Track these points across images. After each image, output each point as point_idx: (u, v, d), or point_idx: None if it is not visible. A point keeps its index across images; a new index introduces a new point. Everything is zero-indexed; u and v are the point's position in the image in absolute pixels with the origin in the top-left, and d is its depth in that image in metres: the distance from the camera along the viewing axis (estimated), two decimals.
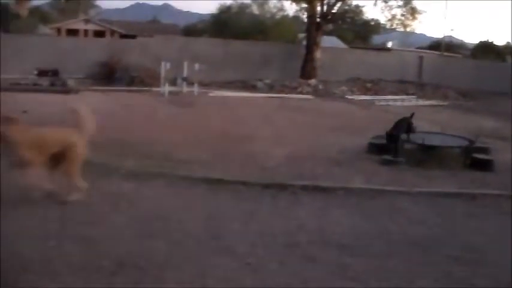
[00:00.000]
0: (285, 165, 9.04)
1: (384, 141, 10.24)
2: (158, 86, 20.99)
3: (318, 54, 29.24)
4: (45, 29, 42.94)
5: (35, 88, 18.69)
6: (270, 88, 25.61)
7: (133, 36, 31.39)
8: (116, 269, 4.92)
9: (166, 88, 20.21)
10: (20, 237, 5.52)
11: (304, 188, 7.77)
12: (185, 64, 21.60)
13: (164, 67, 20.87)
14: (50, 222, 5.95)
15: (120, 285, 4.65)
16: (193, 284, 4.74)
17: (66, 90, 18.76)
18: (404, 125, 9.92)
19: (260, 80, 26.51)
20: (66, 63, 22.80)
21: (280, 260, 5.32)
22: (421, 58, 34.26)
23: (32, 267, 4.87)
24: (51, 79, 20.62)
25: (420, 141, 9.92)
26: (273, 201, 7.30)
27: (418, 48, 51.59)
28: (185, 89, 21.07)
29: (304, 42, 32.33)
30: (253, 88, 25.39)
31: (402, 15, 30.30)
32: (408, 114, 10.58)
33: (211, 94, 21.69)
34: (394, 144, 9.52)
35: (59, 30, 42.61)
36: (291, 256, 5.44)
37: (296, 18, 43.13)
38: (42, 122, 11.55)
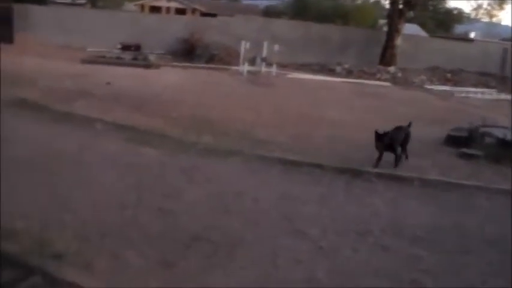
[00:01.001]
0: (361, 151, 8.87)
1: (463, 133, 9.83)
2: (237, 65, 21.08)
3: (398, 41, 28.44)
4: (130, 6, 43.90)
5: (118, 62, 19.19)
6: (348, 73, 25.20)
7: (213, 15, 31.55)
8: (190, 242, 4.99)
9: (245, 67, 20.26)
10: (101, 204, 5.71)
11: (379, 175, 7.60)
12: (264, 44, 21.57)
13: (244, 46, 20.91)
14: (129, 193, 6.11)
15: (193, 258, 4.71)
16: (264, 263, 4.74)
17: (147, 65, 19.16)
18: (402, 134, 8.35)
19: (339, 64, 26.13)
20: (148, 39, 23.25)
21: (353, 246, 5.24)
22: (505, 50, 32.61)
23: (111, 233, 5.02)
24: (134, 54, 21.11)
25: (501, 136, 9.45)
26: (347, 186, 7.17)
27: (502, 39, 49.27)
28: (263, 69, 21.04)
29: (385, 29, 31.53)
30: (331, 72, 25.05)
31: (489, 4, 28.93)
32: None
33: (289, 76, 21.59)
34: (379, 155, 8.13)
35: (142, 7, 43.39)
36: (363, 243, 5.34)
37: (377, 3, 42.15)
38: (122, 94, 11.98)
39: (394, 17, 28.92)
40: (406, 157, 8.46)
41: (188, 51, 23.50)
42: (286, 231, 5.47)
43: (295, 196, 6.62)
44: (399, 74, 25.78)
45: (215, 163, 7.56)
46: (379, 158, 8.01)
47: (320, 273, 4.61)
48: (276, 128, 10.26)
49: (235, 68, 21.01)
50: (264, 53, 21.49)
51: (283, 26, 28.43)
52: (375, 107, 15.21)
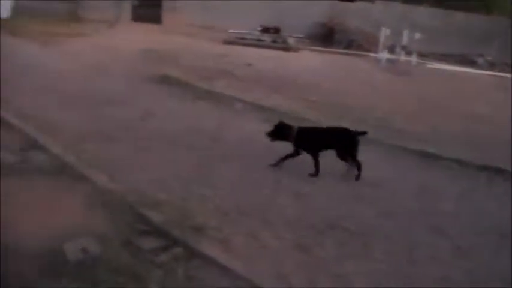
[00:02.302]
0: (500, 148, 8.25)
1: None
2: (376, 52, 20.53)
3: None
4: None
5: (257, 43, 19.43)
6: (491, 66, 23.58)
7: (352, 0, 30.93)
8: (325, 229, 4.91)
9: (384, 55, 19.69)
10: (239, 182, 5.78)
11: None
12: (405, 32, 20.79)
13: (383, 34, 20.30)
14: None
15: (328, 244, 4.63)
16: (400, 257, 4.56)
17: (286, 48, 19.23)
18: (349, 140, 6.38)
19: (480, 55, 24.59)
20: (287, 22, 23.28)
21: (493, 249, 4.90)
22: None
23: (249, 211, 5.06)
24: (273, 36, 21.24)
25: None
26: (488, 184, 6.73)
27: None
28: (403, 57, 20.33)
29: None
30: (472, 64, 23.61)
31: None
32: None
33: (428, 65, 20.69)
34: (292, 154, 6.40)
35: None
36: (505, 247, 4.94)
37: None
38: (261, 75, 12.09)
39: None
40: None
41: (326, 36, 23.25)
42: (424, 226, 5.23)
43: (434, 190, 6.32)
44: None
45: None
46: None
47: (457, 275, 4.35)
48: (413, 118, 9.84)
49: (374, 55, 20.48)
50: (404, 41, 20.71)
51: (424, 14, 27.21)
52: None
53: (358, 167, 6.26)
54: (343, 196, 5.79)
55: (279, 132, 6.26)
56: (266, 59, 15.41)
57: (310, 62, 16.24)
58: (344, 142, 6.27)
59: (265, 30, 21.99)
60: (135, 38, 17.31)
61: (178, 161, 6.23)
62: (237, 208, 5.12)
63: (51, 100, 8.66)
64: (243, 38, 19.76)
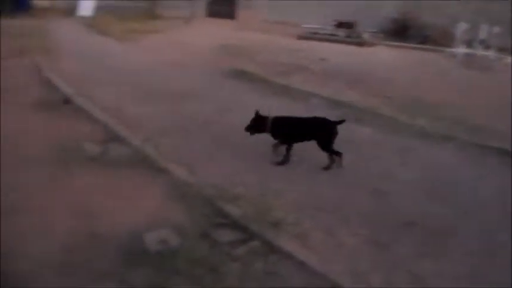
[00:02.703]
0: None
1: None
2: (452, 47, 19.85)
3: None
4: None
5: (331, 38, 19.19)
6: None
7: None
8: (403, 226, 4.77)
9: (460, 50, 19.00)
10: (312, 178, 5.71)
11: None
12: (482, 27, 19.96)
13: (460, 28, 19.58)
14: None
15: (405, 242, 4.50)
16: (480, 258, 4.35)
17: (360, 43, 18.90)
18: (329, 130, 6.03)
19: None
20: (360, 17, 22.89)
21: None
22: None
23: (327, 207, 4.99)
24: (347, 31, 20.92)
25: None
26: None
27: None
28: (480, 52, 19.54)
29: None
30: None
31: None
32: None
33: (508, 60, 19.79)
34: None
35: None
36: None
37: None
38: (336, 70, 11.93)
39: None
40: None
41: (400, 31, 22.69)
42: (505, 228, 4.94)
43: None
44: None
45: (430, 147, 7.14)
46: None
47: None
48: (492, 116, 9.38)
49: (450, 50, 19.80)
50: (482, 35, 19.90)
51: (502, 7, 26.08)
52: None
53: (339, 155, 6.00)
54: (421, 193, 5.60)
55: (256, 125, 6.08)
56: (341, 54, 15.19)
57: (385, 57, 15.89)
58: (323, 132, 5.96)
59: (339, 25, 21.66)
60: (210, 34, 17.54)
61: (255, 155, 6.21)
62: (314, 204, 5.06)
63: (131, 94, 8.89)
64: (317, 33, 19.57)
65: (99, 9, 23.85)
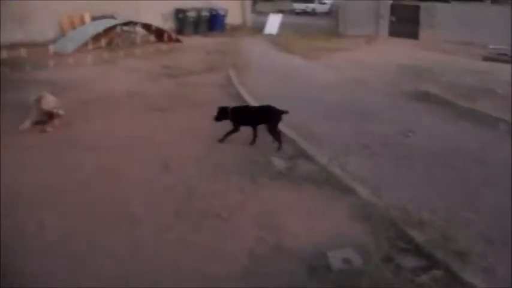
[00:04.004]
0: None
1: None
2: None
3: None
4: None
5: None
6: None
7: None
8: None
9: None
10: (506, 209, 5.34)
11: None
12: None
13: None
14: None
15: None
16: None
17: None
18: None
19: None
20: None
21: None
22: None
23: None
24: None
25: None
26: None
27: None
28: None
29: None
30: None
31: None
32: None
33: None
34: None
35: None
36: None
37: None
38: None
39: None
40: None
41: None
42: None
43: None
44: None
45: None
46: None
47: None
48: None
49: None
50: None
51: None
52: None
53: (279, 140, 7.01)
54: None
55: (220, 115, 7.30)
56: None
57: None
58: (270, 118, 7.10)
59: None
60: (392, 53, 17.23)
61: (440, 181, 5.98)
62: (502, 235, 4.73)
63: (317, 111, 9.04)
64: (504, 54, 18.29)
65: (284, 25, 24.67)
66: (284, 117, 7.03)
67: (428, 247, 4.34)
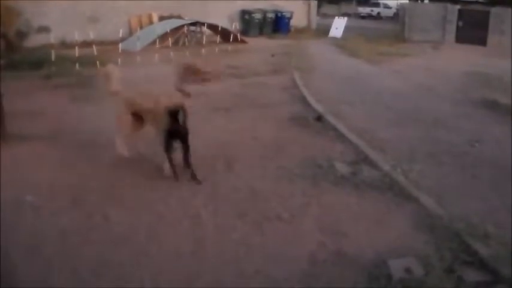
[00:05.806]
0: None
1: None
2: None
3: None
4: None
5: None
6: None
7: None
8: None
9: None
10: None
11: None
12: None
13: None
14: None
15: None
16: None
17: None
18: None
19: None
20: None
21: None
22: None
23: None
24: None
25: None
26: None
27: None
28: None
29: None
30: None
31: None
32: None
33: None
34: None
35: None
36: None
37: None
38: None
39: None
40: None
41: None
42: None
43: None
44: None
45: None
46: None
47: None
48: None
49: None
50: None
51: None
52: None
53: None
54: None
55: None
56: None
57: None
58: None
59: None
60: (459, 60, 16.72)
61: (507, 194, 5.70)
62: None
63: (381, 116, 8.88)
64: None
65: (348, 29, 24.42)
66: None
67: (492, 262, 4.16)
